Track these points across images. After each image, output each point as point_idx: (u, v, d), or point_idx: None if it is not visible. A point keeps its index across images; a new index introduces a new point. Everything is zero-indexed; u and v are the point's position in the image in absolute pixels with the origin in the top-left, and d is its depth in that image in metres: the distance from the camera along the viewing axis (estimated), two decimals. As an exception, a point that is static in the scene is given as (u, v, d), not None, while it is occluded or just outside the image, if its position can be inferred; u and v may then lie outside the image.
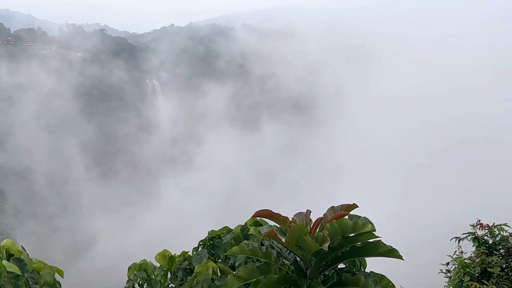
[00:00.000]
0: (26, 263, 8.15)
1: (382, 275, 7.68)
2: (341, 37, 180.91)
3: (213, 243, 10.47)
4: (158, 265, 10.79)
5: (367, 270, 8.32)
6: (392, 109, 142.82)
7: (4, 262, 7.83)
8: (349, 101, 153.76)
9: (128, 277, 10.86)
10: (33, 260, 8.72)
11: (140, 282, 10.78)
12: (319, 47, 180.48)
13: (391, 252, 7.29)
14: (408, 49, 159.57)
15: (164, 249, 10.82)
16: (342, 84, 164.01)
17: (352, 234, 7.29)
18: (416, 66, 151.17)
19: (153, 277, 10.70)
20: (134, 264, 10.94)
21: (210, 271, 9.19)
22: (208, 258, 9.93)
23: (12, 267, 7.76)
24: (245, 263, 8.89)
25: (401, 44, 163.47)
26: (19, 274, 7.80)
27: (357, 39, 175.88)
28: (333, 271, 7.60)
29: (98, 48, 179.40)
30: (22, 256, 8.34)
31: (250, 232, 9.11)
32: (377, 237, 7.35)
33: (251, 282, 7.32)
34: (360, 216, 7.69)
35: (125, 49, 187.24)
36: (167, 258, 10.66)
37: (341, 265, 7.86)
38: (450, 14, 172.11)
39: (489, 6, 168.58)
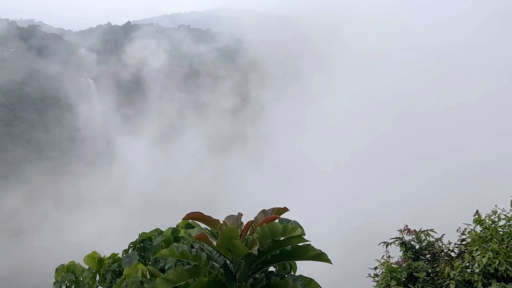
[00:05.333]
0: None
1: (310, 278, 7.75)
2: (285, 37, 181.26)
3: (144, 246, 10.36)
4: (86, 267, 10.57)
5: (297, 273, 8.40)
6: (339, 110, 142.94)
7: None
8: (290, 96, 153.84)
9: (55, 278, 10.59)
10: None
11: (68, 284, 10.52)
12: (257, 47, 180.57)
13: (320, 256, 7.38)
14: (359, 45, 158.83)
15: (93, 251, 10.62)
16: (283, 79, 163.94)
17: (282, 238, 7.34)
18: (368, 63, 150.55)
19: (81, 279, 10.46)
20: (62, 265, 10.67)
21: (140, 274, 9.09)
22: (138, 261, 9.81)
23: None
24: (175, 266, 8.84)
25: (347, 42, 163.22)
26: None
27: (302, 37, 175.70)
28: (262, 274, 7.64)
29: (30, 44, 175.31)
30: None
31: (180, 235, 9.09)
32: (307, 241, 7.43)
33: (181, 285, 7.28)
34: (290, 220, 7.76)
35: (59, 47, 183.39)
36: (96, 260, 10.47)
37: (271, 268, 7.91)
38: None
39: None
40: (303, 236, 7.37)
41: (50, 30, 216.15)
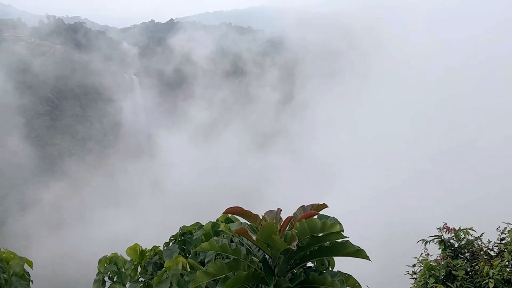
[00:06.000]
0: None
1: (349, 274, 7.79)
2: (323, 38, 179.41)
3: (184, 239, 10.55)
4: (128, 259, 10.80)
5: (335, 269, 8.45)
6: (381, 109, 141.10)
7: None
8: (332, 94, 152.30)
9: (98, 269, 10.85)
10: (3, 250, 8.73)
11: (110, 275, 10.78)
12: (298, 44, 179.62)
13: (358, 253, 7.41)
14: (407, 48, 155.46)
15: (135, 243, 10.85)
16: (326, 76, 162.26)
17: (321, 234, 7.39)
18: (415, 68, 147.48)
19: (123, 270, 10.70)
20: (105, 257, 10.93)
21: (180, 266, 9.25)
22: (179, 254, 10.00)
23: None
24: (215, 259, 8.98)
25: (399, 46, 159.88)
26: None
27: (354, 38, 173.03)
28: (301, 269, 7.70)
29: (76, 40, 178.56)
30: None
31: (220, 229, 9.23)
32: (345, 237, 7.47)
33: (220, 278, 7.39)
34: (329, 216, 7.81)
35: (103, 43, 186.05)
36: (138, 252, 10.69)
37: (309, 264, 7.97)
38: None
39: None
40: (342, 233, 7.42)
41: (95, 27, 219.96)
